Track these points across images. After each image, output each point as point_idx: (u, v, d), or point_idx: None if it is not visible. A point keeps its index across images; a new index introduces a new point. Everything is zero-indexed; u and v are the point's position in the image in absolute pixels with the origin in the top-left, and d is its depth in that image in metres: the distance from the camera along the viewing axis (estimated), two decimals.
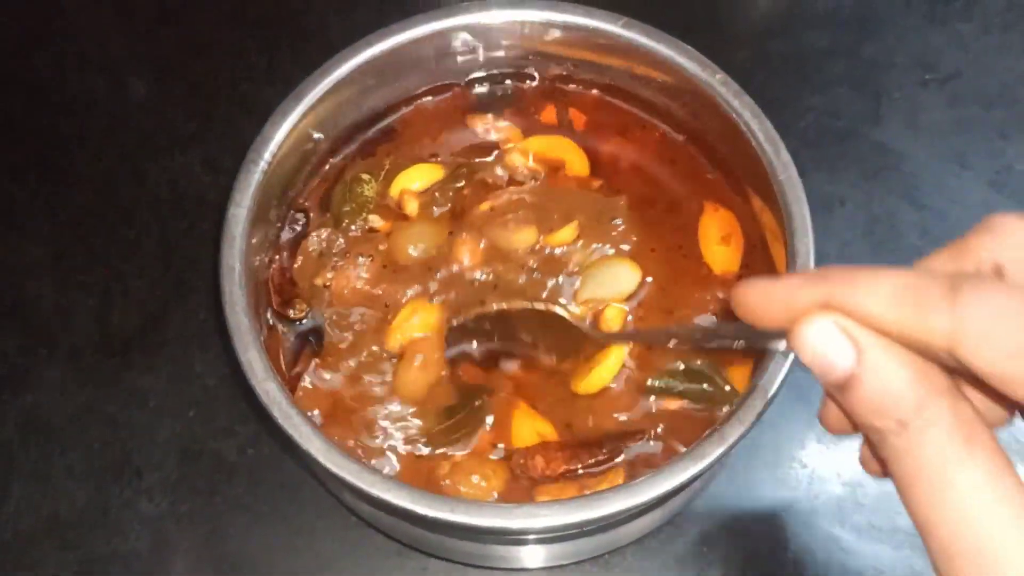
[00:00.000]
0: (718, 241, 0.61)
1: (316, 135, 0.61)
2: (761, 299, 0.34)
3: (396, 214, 0.63)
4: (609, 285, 0.60)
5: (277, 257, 0.61)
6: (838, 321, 0.32)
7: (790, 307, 0.33)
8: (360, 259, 0.60)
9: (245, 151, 0.57)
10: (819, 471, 0.66)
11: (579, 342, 0.56)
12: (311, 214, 0.63)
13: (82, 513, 0.66)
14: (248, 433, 0.67)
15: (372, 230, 0.62)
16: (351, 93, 0.60)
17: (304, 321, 0.59)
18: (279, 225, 0.61)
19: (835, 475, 0.66)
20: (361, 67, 0.59)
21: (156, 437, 0.68)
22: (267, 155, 0.56)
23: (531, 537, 0.56)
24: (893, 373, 0.31)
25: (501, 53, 0.64)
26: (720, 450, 0.49)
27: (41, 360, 0.70)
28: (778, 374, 0.51)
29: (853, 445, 0.66)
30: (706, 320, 0.60)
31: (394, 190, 0.63)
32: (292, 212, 0.62)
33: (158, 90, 0.82)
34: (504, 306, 0.58)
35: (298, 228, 0.62)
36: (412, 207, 0.62)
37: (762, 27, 0.84)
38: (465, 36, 0.62)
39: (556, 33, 0.61)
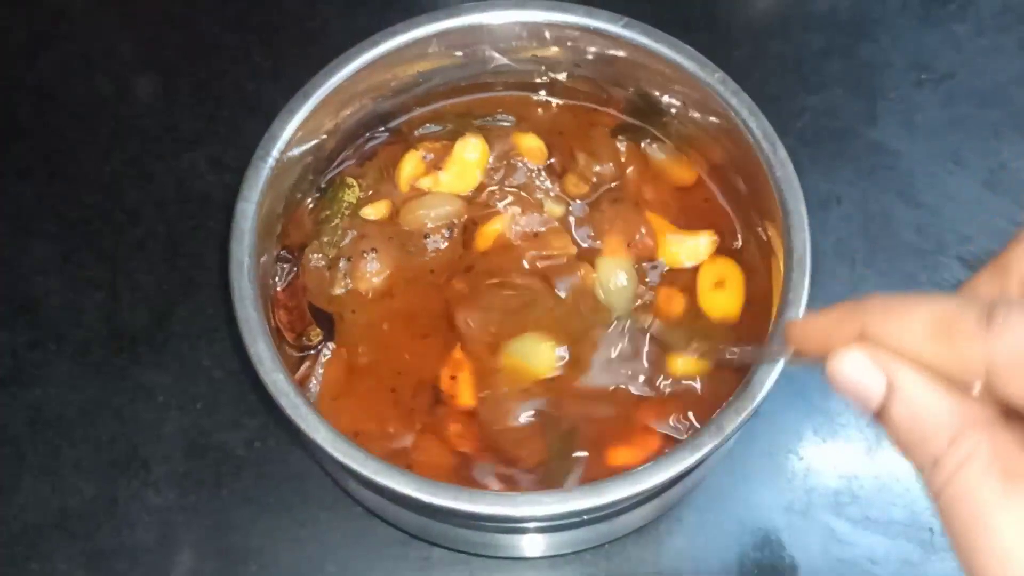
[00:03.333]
0: (711, 287, 0.62)
1: (323, 134, 0.62)
2: (806, 333, 0.35)
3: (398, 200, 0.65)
4: None
5: (280, 296, 0.62)
6: (870, 353, 0.31)
7: (830, 340, 0.33)
8: (368, 255, 0.62)
9: (250, 150, 0.58)
10: (815, 463, 0.67)
11: None
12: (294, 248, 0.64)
13: (90, 506, 0.67)
14: (255, 426, 0.68)
15: (367, 222, 0.64)
16: (359, 92, 0.62)
17: (320, 345, 0.60)
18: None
19: (831, 467, 0.67)
20: (368, 67, 0.60)
21: (163, 431, 0.69)
22: (275, 151, 0.57)
23: (533, 526, 0.57)
24: (926, 405, 0.30)
25: (504, 55, 0.65)
26: (716, 440, 0.50)
27: (50, 356, 0.71)
28: (775, 366, 0.52)
29: (849, 437, 0.68)
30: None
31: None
32: (280, 252, 0.63)
33: (164, 92, 0.83)
34: None
35: (287, 265, 0.63)
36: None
37: (760, 28, 0.85)
38: (468, 38, 0.63)
39: (557, 34, 0.62)
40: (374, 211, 0.65)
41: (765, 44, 0.83)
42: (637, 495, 0.49)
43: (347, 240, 0.63)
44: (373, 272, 0.62)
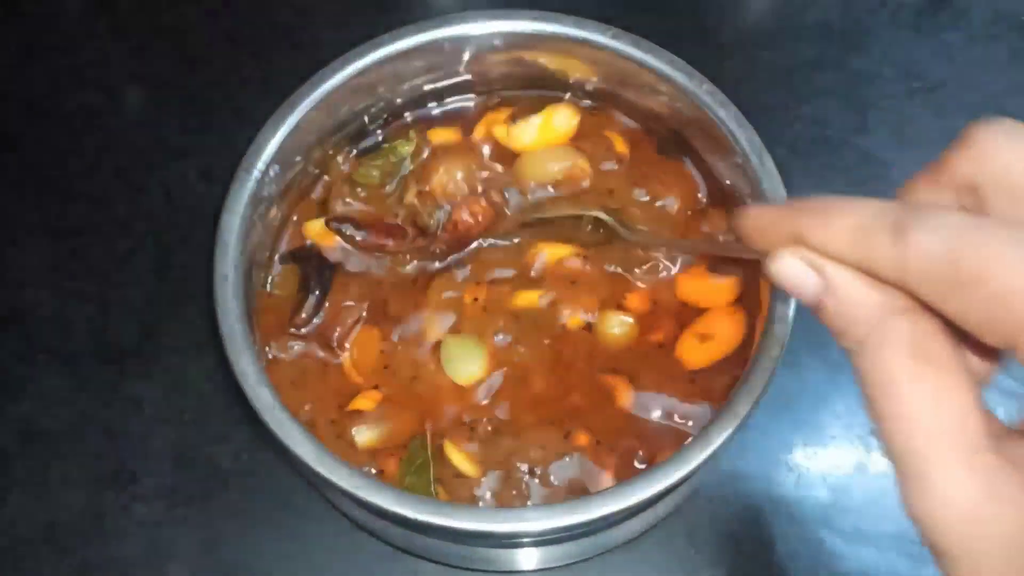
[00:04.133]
0: (695, 336, 0.60)
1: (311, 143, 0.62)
2: (749, 227, 0.37)
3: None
4: None
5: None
6: (803, 255, 0.34)
7: (770, 237, 0.36)
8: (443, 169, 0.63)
9: (239, 161, 0.58)
10: (806, 475, 0.67)
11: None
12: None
13: (78, 519, 0.66)
14: (242, 439, 0.68)
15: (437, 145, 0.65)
16: (344, 102, 0.61)
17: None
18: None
19: (822, 479, 0.67)
20: (354, 77, 0.60)
21: (151, 444, 0.68)
22: (260, 164, 0.57)
23: (522, 540, 0.57)
24: (854, 298, 0.33)
25: (491, 65, 0.65)
26: (704, 455, 0.50)
27: (39, 368, 0.71)
28: (762, 379, 0.51)
29: (840, 449, 0.67)
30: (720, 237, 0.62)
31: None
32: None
33: (153, 103, 0.83)
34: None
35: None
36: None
37: (751, 38, 0.84)
38: (454, 48, 0.63)
39: (546, 44, 0.62)
40: (445, 135, 0.66)
41: (756, 54, 0.83)
42: (625, 510, 0.49)
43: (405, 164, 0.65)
44: (447, 181, 0.63)
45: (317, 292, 0.61)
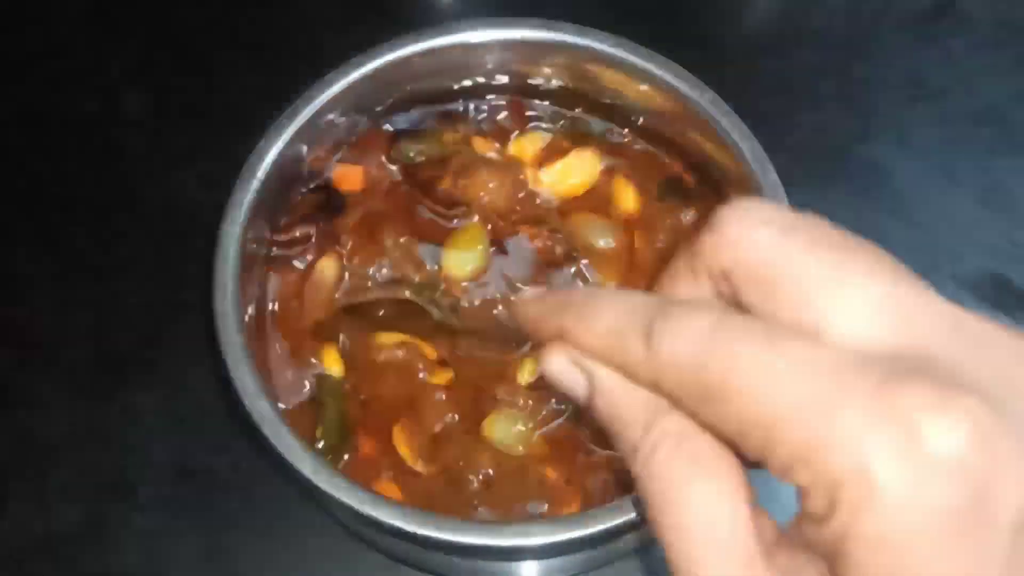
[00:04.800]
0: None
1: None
2: (522, 316, 0.35)
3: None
4: None
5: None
6: (569, 354, 0.32)
7: (541, 331, 0.33)
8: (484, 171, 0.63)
9: (239, 168, 0.57)
10: None
11: None
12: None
13: (77, 530, 0.66)
14: (241, 449, 0.67)
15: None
16: (346, 110, 0.61)
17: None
18: None
19: None
20: (355, 84, 0.60)
21: (150, 454, 0.68)
22: (260, 173, 0.56)
23: (525, 554, 0.56)
24: (620, 399, 0.31)
25: (493, 72, 0.64)
26: None
27: (37, 377, 0.71)
28: None
29: None
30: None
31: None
32: None
33: (152, 109, 0.82)
34: None
35: None
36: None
37: (753, 44, 0.84)
38: (458, 55, 0.62)
39: (549, 52, 0.62)
40: (483, 146, 0.65)
41: (758, 61, 0.83)
42: (627, 524, 0.49)
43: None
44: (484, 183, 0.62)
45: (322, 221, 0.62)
